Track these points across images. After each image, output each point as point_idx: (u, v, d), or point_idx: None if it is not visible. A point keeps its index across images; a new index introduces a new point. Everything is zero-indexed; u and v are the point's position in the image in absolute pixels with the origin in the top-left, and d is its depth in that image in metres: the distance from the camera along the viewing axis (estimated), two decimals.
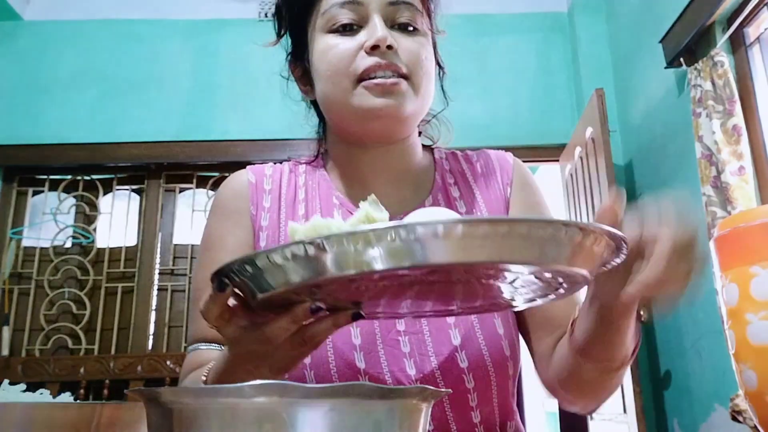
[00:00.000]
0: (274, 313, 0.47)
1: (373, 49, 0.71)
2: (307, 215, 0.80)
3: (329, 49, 0.73)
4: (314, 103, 0.85)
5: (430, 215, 0.51)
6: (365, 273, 0.38)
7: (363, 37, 0.72)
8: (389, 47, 0.71)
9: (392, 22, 0.74)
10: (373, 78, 0.71)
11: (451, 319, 0.72)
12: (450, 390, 0.44)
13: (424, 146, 0.89)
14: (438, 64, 0.84)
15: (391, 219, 0.78)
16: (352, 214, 0.76)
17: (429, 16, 0.78)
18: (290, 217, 0.80)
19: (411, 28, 0.74)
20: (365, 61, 0.71)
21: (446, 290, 0.46)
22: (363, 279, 0.40)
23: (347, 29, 0.73)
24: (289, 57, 0.84)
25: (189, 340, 0.76)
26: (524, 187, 0.86)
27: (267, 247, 0.76)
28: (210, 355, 0.72)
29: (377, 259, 0.37)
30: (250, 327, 0.49)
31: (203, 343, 0.74)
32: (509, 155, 0.90)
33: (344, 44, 0.72)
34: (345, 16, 0.73)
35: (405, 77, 0.72)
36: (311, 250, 0.38)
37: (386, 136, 0.78)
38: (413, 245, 0.37)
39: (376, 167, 0.81)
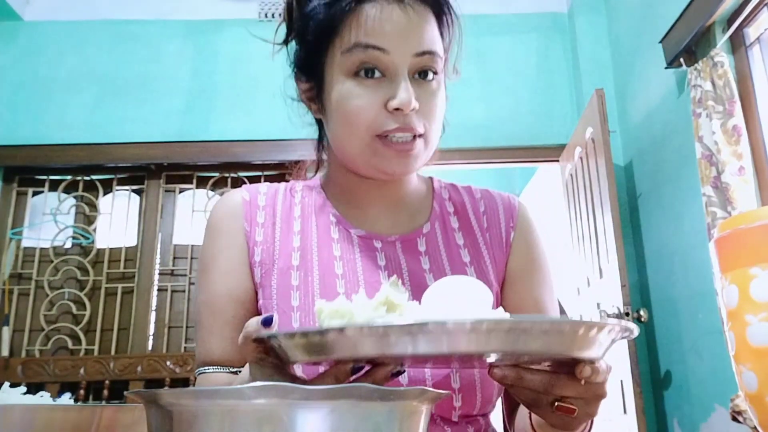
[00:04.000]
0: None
1: (396, 110, 0.69)
2: (303, 231, 0.79)
3: (350, 98, 0.70)
4: (318, 121, 0.83)
5: (450, 287, 0.54)
6: (383, 357, 0.43)
7: (386, 92, 0.69)
8: (413, 109, 0.69)
9: (415, 71, 0.71)
10: (390, 138, 0.70)
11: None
12: (449, 392, 0.44)
13: (419, 175, 0.89)
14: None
15: (386, 244, 0.77)
16: (348, 232, 0.79)
17: (446, 50, 0.76)
18: (285, 233, 0.79)
19: (431, 77, 0.72)
20: (387, 123, 0.70)
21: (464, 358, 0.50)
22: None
23: (369, 74, 0.70)
24: (294, 65, 0.80)
25: (197, 362, 0.76)
26: (528, 236, 0.84)
27: (262, 261, 0.76)
28: (218, 378, 0.72)
29: (391, 346, 0.41)
30: (280, 371, 0.51)
31: (210, 366, 0.74)
32: (515, 198, 0.88)
33: (366, 97, 0.70)
34: (369, 62, 0.69)
35: (420, 135, 0.72)
36: (332, 336, 0.42)
37: (390, 180, 0.79)
38: (420, 338, 0.41)
39: (373, 194, 0.81)
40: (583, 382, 0.48)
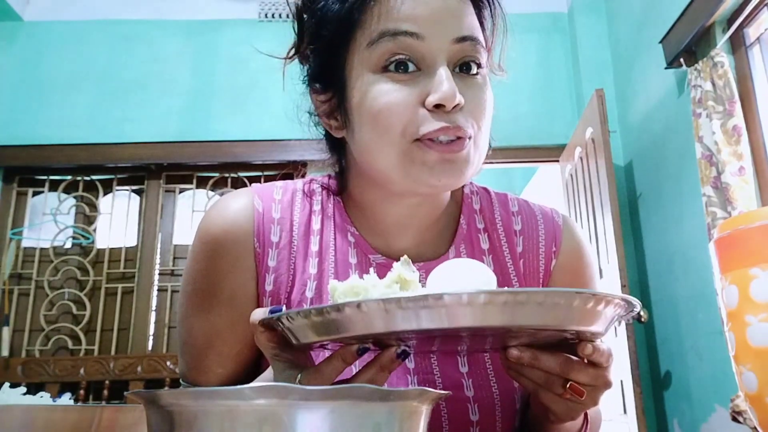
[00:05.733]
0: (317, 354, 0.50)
1: (437, 106, 0.58)
2: (321, 253, 0.68)
3: (380, 97, 0.59)
4: (332, 139, 0.71)
5: (455, 269, 0.54)
6: (394, 333, 0.43)
7: (423, 87, 0.58)
8: (456, 105, 0.58)
9: (455, 62, 0.61)
10: (432, 140, 0.59)
11: (464, 370, 0.67)
12: (450, 392, 0.44)
13: None
14: None
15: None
16: (366, 255, 0.68)
17: (487, 46, 0.66)
18: (302, 257, 0.67)
19: (474, 70, 0.62)
20: (427, 124, 0.58)
21: (472, 338, 0.49)
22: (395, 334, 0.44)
23: (401, 68, 0.59)
24: (307, 77, 0.69)
25: (180, 373, 0.71)
26: (574, 263, 0.73)
27: (274, 291, 0.66)
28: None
29: (404, 321, 0.42)
30: (294, 362, 0.50)
31: (189, 384, 0.69)
32: (559, 215, 0.75)
33: (400, 94, 0.59)
34: (400, 52, 0.59)
35: (468, 137, 0.60)
36: (351, 311, 0.42)
37: (428, 198, 0.68)
38: (438, 311, 0.41)
39: (399, 218, 0.69)
40: (585, 360, 0.48)
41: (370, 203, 0.69)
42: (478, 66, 0.62)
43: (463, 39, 0.60)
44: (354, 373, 0.49)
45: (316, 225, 0.69)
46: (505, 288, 0.44)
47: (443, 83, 0.58)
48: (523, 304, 0.41)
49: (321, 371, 0.47)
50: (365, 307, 0.42)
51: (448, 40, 0.59)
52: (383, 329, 0.42)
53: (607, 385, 0.50)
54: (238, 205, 0.68)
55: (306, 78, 0.69)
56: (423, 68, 0.60)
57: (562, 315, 0.42)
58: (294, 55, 0.69)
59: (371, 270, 0.62)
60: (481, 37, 0.63)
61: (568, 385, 0.49)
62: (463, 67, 0.61)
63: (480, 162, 0.64)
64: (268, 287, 0.66)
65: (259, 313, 0.49)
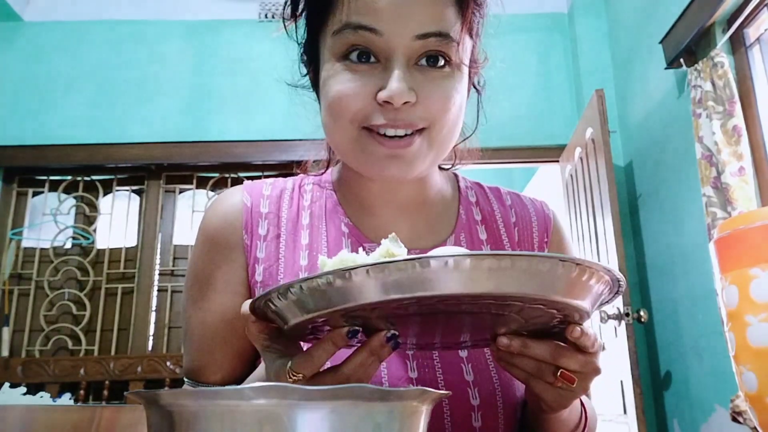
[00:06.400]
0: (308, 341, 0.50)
1: (387, 102, 0.60)
2: (312, 245, 0.70)
3: (335, 83, 0.62)
4: None
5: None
6: (382, 302, 0.42)
7: (378, 81, 0.60)
8: (406, 102, 0.60)
9: (419, 56, 0.61)
10: (380, 133, 0.61)
11: (464, 354, 0.68)
12: (450, 392, 0.44)
13: (444, 169, 0.79)
14: (475, 87, 0.74)
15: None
16: (361, 245, 0.70)
17: (472, 35, 0.66)
18: (291, 249, 0.70)
19: (441, 63, 0.62)
20: (374, 117, 0.61)
21: (464, 321, 0.49)
22: (381, 308, 0.44)
23: (362, 58, 0.61)
24: (302, 48, 0.72)
25: (184, 369, 0.72)
26: (562, 251, 0.77)
27: (264, 282, 0.68)
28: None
29: (391, 288, 0.42)
30: (285, 352, 0.49)
31: (192, 381, 0.70)
32: (548, 207, 0.80)
33: (354, 85, 0.61)
34: (360, 44, 0.61)
35: (422, 129, 0.62)
36: (339, 281, 0.42)
37: (400, 182, 0.69)
38: (426, 276, 0.41)
39: (387, 199, 0.72)
40: (574, 346, 0.49)
41: (357, 185, 0.72)
42: (447, 59, 0.62)
43: (425, 36, 0.60)
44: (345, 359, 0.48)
45: (305, 220, 0.72)
46: (489, 251, 0.44)
47: (392, 82, 0.59)
48: (508, 270, 0.41)
49: (311, 355, 0.46)
50: (353, 275, 0.41)
51: (409, 37, 0.60)
52: (371, 299, 0.42)
53: (596, 371, 0.51)
54: (229, 201, 0.72)
55: (299, 44, 0.72)
56: (382, 60, 0.61)
57: (547, 282, 0.42)
58: (291, 17, 0.71)
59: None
60: (452, 31, 0.61)
61: (558, 373, 0.50)
62: (430, 60, 0.62)
63: (441, 151, 0.65)
64: (258, 278, 0.68)
65: (248, 305, 0.49)
